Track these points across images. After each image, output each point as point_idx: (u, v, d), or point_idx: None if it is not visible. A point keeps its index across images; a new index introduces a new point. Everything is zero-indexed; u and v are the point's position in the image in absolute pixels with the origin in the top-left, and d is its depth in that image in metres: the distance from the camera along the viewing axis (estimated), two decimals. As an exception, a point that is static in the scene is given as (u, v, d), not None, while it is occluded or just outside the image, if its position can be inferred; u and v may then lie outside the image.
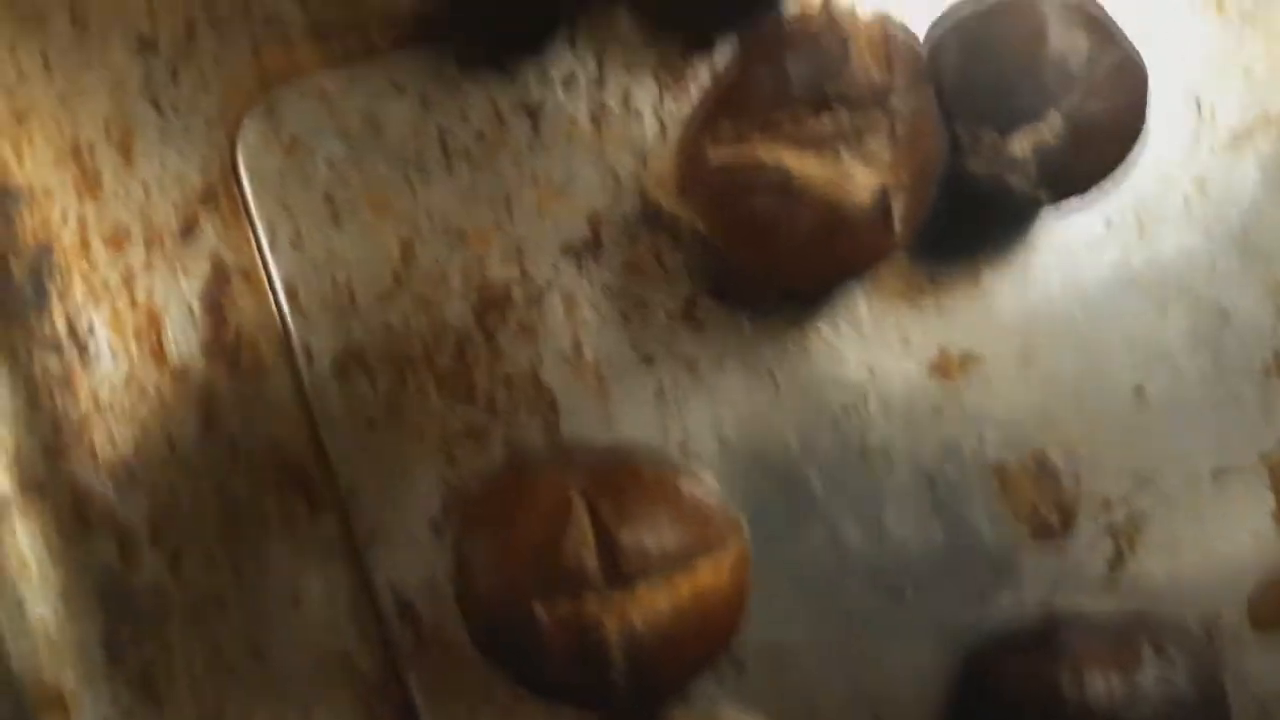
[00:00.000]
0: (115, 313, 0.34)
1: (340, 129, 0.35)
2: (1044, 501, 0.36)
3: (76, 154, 0.35)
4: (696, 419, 0.35)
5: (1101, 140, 0.32)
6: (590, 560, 0.28)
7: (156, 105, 0.35)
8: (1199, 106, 0.37)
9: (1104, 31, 0.32)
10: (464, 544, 0.30)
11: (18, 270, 0.34)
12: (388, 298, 0.35)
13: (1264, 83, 0.37)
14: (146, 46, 0.35)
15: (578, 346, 0.35)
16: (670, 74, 0.35)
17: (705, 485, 0.31)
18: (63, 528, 0.34)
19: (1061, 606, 0.36)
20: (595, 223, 0.35)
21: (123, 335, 0.34)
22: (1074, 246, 0.36)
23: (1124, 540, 0.36)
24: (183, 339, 0.34)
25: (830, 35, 0.31)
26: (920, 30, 0.34)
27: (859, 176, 0.30)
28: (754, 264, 0.33)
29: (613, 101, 0.35)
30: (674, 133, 0.35)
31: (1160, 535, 0.36)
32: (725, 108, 0.31)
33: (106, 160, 0.35)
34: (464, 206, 0.35)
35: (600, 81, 0.35)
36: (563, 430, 0.35)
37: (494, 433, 0.35)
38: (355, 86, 0.35)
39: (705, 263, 0.35)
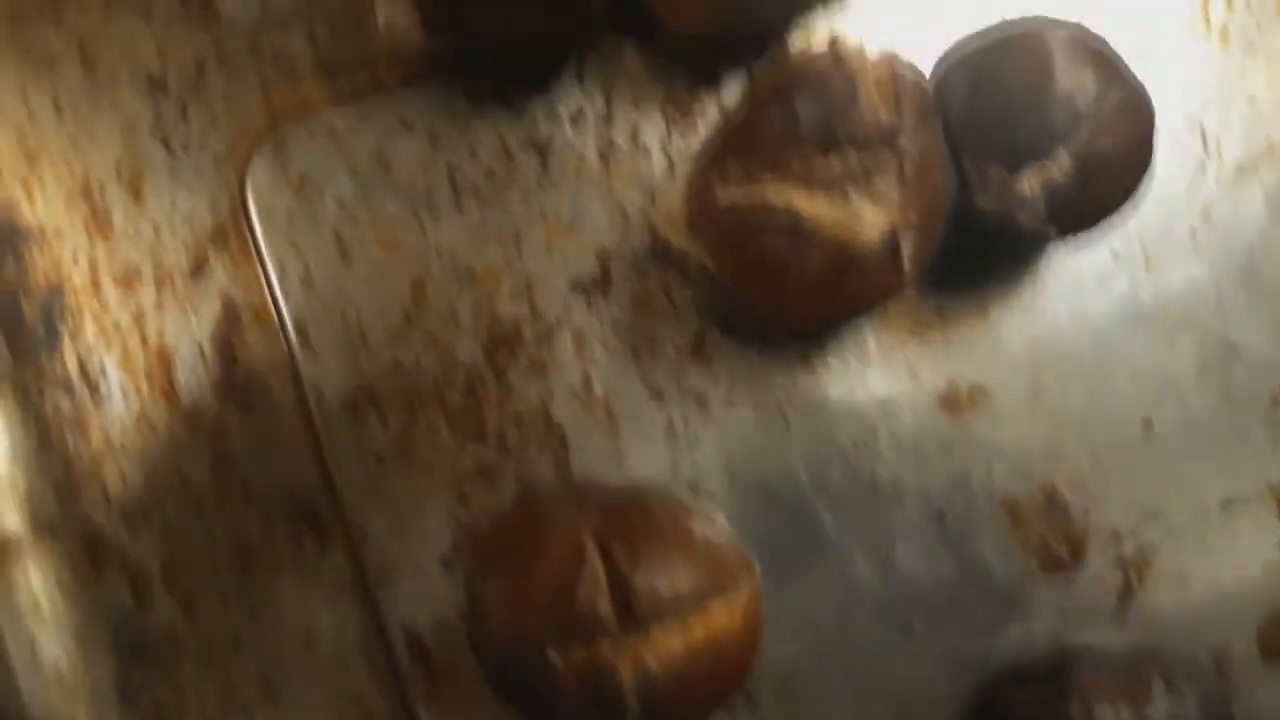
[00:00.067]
0: (126, 353, 0.34)
1: (350, 167, 0.35)
2: (1053, 534, 0.36)
3: (87, 194, 0.35)
4: (707, 454, 0.35)
5: (1109, 177, 0.32)
6: (604, 605, 0.28)
7: (166, 145, 0.35)
8: (1204, 138, 0.37)
9: (1110, 68, 0.32)
10: (477, 585, 0.30)
11: (29, 310, 0.34)
12: (398, 336, 0.35)
13: (1269, 113, 0.37)
14: (156, 86, 0.35)
15: (588, 383, 0.35)
16: (678, 110, 0.36)
17: (716, 525, 0.31)
18: (75, 568, 0.34)
19: (1071, 639, 0.36)
20: (604, 259, 0.35)
21: (134, 375, 0.34)
22: (1081, 279, 0.36)
23: (1133, 572, 0.36)
24: (193, 378, 0.34)
25: (838, 76, 0.31)
26: (926, 65, 0.34)
27: (868, 217, 0.31)
28: (763, 303, 0.33)
29: (621, 138, 0.35)
30: (682, 169, 0.35)
31: (1169, 567, 0.36)
32: (734, 147, 0.32)
33: (117, 200, 0.35)
34: (473, 244, 0.35)
35: (608, 118, 0.35)
36: (573, 467, 0.35)
37: (505, 470, 0.35)
38: (364, 124, 0.35)
39: (714, 297, 0.36)
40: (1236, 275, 0.37)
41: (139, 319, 0.34)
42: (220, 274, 0.35)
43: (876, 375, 0.36)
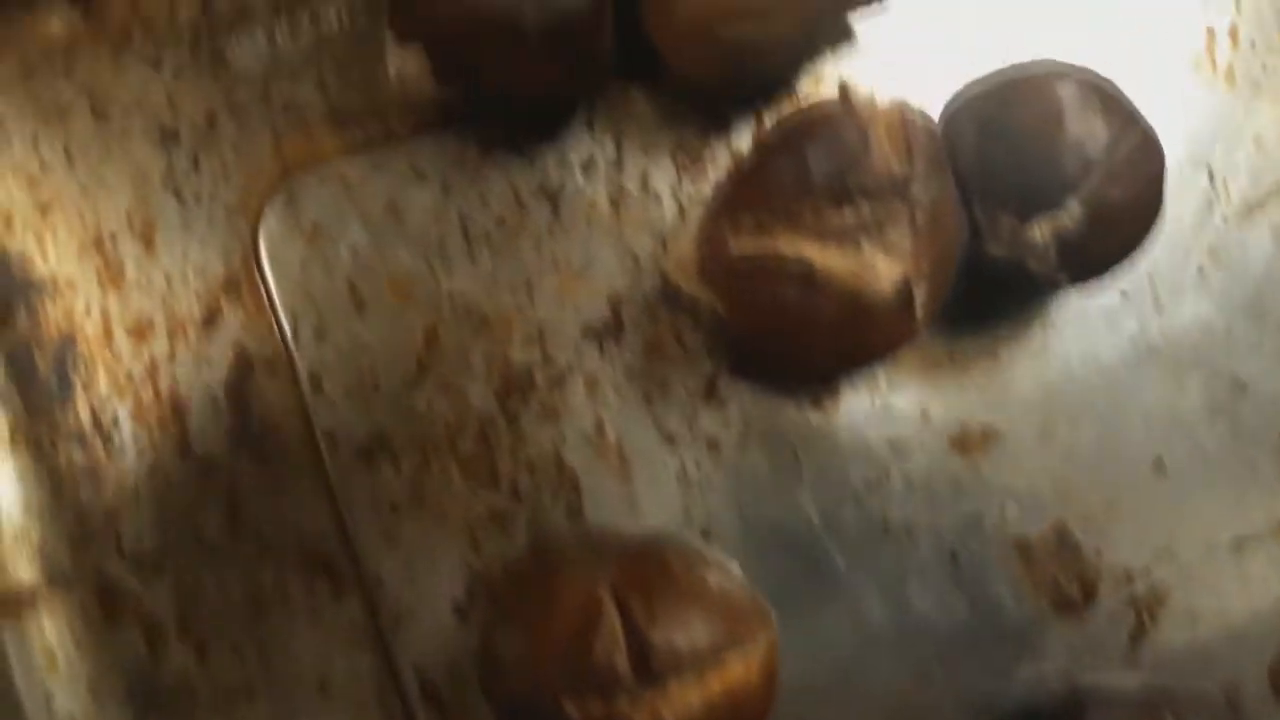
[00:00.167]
0: (139, 403, 0.34)
1: (362, 216, 0.35)
2: (1065, 574, 0.36)
3: (99, 245, 0.35)
4: (719, 498, 0.35)
5: (1121, 223, 0.32)
6: (621, 660, 0.28)
7: (178, 195, 0.35)
8: (1211, 177, 0.37)
9: (1121, 115, 0.32)
10: (492, 635, 0.30)
11: (42, 362, 0.34)
12: (411, 383, 0.35)
13: (1275, 152, 0.37)
14: (168, 136, 0.35)
15: (600, 428, 0.35)
16: (688, 156, 0.36)
17: (732, 575, 0.31)
18: (89, 620, 0.34)
19: (1083, 679, 0.36)
20: (616, 304, 0.35)
21: (147, 426, 0.34)
22: (1091, 319, 0.37)
23: (1145, 611, 0.36)
24: (207, 429, 0.34)
25: (850, 126, 0.31)
26: (934, 109, 0.34)
27: (881, 267, 0.31)
28: (775, 352, 0.33)
29: (631, 184, 0.36)
30: (693, 214, 0.36)
31: (1181, 605, 0.36)
32: (745, 197, 0.32)
33: (129, 251, 0.35)
34: (486, 291, 0.35)
35: (619, 164, 0.36)
36: (586, 512, 0.35)
37: (517, 516, 0.35)
38: (376, 173, 0.35)
39: (725, 340, 0.36)
40: (1245, 313, 0.37)
41: (152, 370, 0.34)
42: (233, 324, 0.35)
43: (888, 417, 0.36)
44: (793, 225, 0.31)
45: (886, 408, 0.36)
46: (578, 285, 0.35)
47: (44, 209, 0.35)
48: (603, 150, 0.36)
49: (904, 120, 0.32)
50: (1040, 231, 0.32)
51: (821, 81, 0.36)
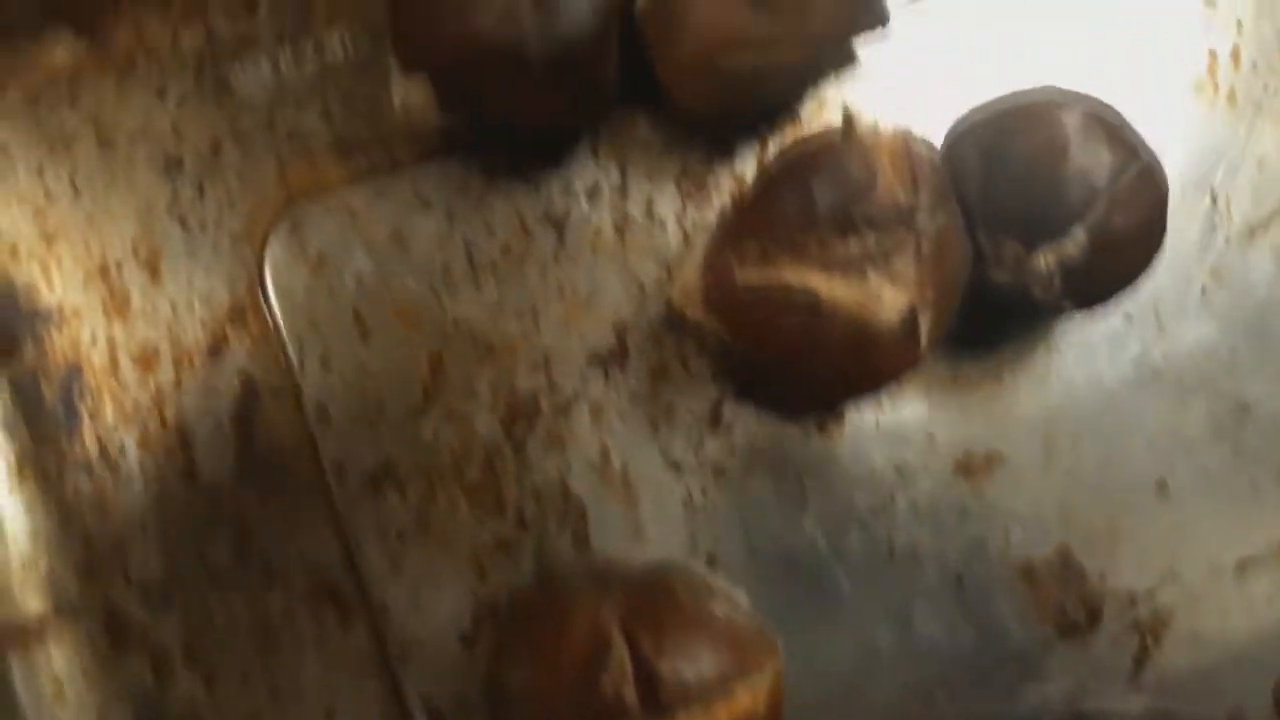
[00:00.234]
0: (146, 433, 0.34)
1: (367, 244, 0.35)
2: (1070, 598, 0.36)
3: (105, 274, 0.35)
4: (725, 525, 0.35)
5: (1125, 251, 0.32)
6: (629, 692, 0.28)
7: (183, 223, 0.35)
8: (1213, 199, 0.37)
9: (1124, 141, 0.32)
10: (499, 669, 0.30)
11: (48, 392, 0.34)
12: (417, 412, 0.35)
13: (1278, 172, 0.37)
14: (172, 165, 0.35)
15: (606, 455, 0.35)
16: (692, 182, 0.36)
17: (738, 605, 0.31)
18: (97, 650, 0.34)
19: (1087, 703, 0.36)
20: (621, 331, 0.35)
21: (154, 455, 0.34)
22: (1094, 343, 0.37)
23: (1149, 635, 0.36)
24: (213, 458, 0.34)
25: (855, 157, 0.31)
26: (937, 134, 0.34)
27: (887, 297, 0.31)
28: (781, 381, 0.33)
29: (636, 210, 0.36)
30: (697, 240, 0.36)
31: (1184, 629, 0.37)
32: (751, 228, 0.32)
33: (135, 279, 0.35)
34: (491, 319, 0.35)
35: (623, 190, 0.36)
36: (592, 540, 0.35)
37: (524, 544, 0.35)
38: (381, 201, 0.35)
39: (730, 366, 0.36)
40: (1248, 335, 0.37)
41: (158, 399, 0.34)
42: (238, 352, 0.35)
43: (893, 441, 0.36)
44: (798, 255, 0.31)
45: (891, 432, 0.36)
46: (583, 312, 0.35)
47: (49, 238, 0.35)
48: (607, 177, 0.36)
49: (909, 150, 0.32)
50: (1045, 260, 0.32)
51: (824, 106, 0.37)
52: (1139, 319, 0.37)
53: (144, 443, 0.34)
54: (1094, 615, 0.36)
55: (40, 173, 0.35)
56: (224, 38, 0.35)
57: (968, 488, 0.36)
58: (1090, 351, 0.37)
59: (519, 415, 0.35)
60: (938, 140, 0.34)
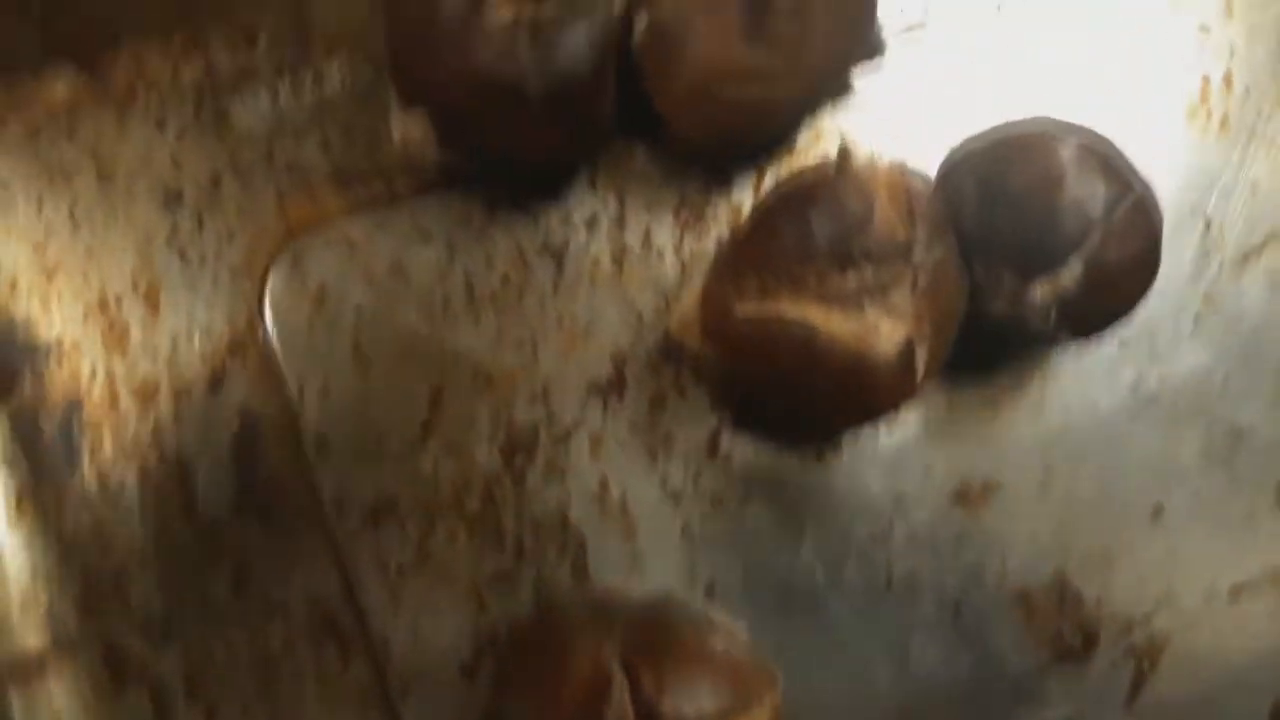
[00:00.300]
0: (145, 467, 0.34)
1: (367, 276, 0.35)
2: (1066, 625, 0.36)
3: (104, 307, 0.35)
4: (723, 555, 0.35)
5: (1120, 282, 0.33)
6: (631, 729, 0.28)
7: (183, 256, 0.35)
8: (1207, 225, 0.38)
9: (1120, 173, 0.33)
10: (500, 702, 0.31)
11: (48, 427, 0.34)
12: (417, 444, 0.35)
13: (1271, 198, 0.38)
14: (172, 198, 0.35)
15: (605, 485, 0.35)
16: (690, 212, 0.36)
17: (737, 639, 0.32)
18: (97, 685, 0.34)
19: (1085, 730, 0.37)
20: (619, 362, 0.36)
21: (154, 490, 0.34)
22: (1089, 370, 0.37)
23: (1145, 660, 0.37)
24: (213, 492, 0.34)
25: (853, 191, 0.31)
26: (932, 163, 0.34)
27: (884, 330, 0.31)
28: (778, 410, 0.33)
29: (634, 241, 0.36)
30: (695, 270, 0.36)
31: (1180, 654, 0.37)
32: (749, 260, 0.32)
33: (134, 313, 0.35)
34: (490, 350, 0.35)
35: (621, 221, 0.36)
36: (591, 570, 0.35)
37: (523, 576, 0.35)
38: (381, 233, 0.35)
39: (727, 394, 0.36)
40: (1241, 360, 0.37)
41: (158, 433, 0.34)
42: (238, 386, 0.35)
43: (890, 471, 0.36)
44: (796, 288, 0.31)
45: (889, 461, 0.36)
46: (581, 343, 0.36)
47: (49, 272, 0.35)
48: (605, 208, 0.36)
49: (906, 184, 0.32)
50: (1041, 291, 0.32)
51: (821, 136, 0.37)
52: (1134, 345, 0.37)
53: (144, 476, 0.34)
54: (1090, 641, 0.36)
55: (40, 206, 0.35)
56: (223, 70, 0.35)
57: (965, 516, 0.36)
58: (1085, 379, 0.37)
59: (518, 446, 0.35)
60: (933, 169, 0.34)
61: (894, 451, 0.36)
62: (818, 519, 0.36)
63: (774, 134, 0.36)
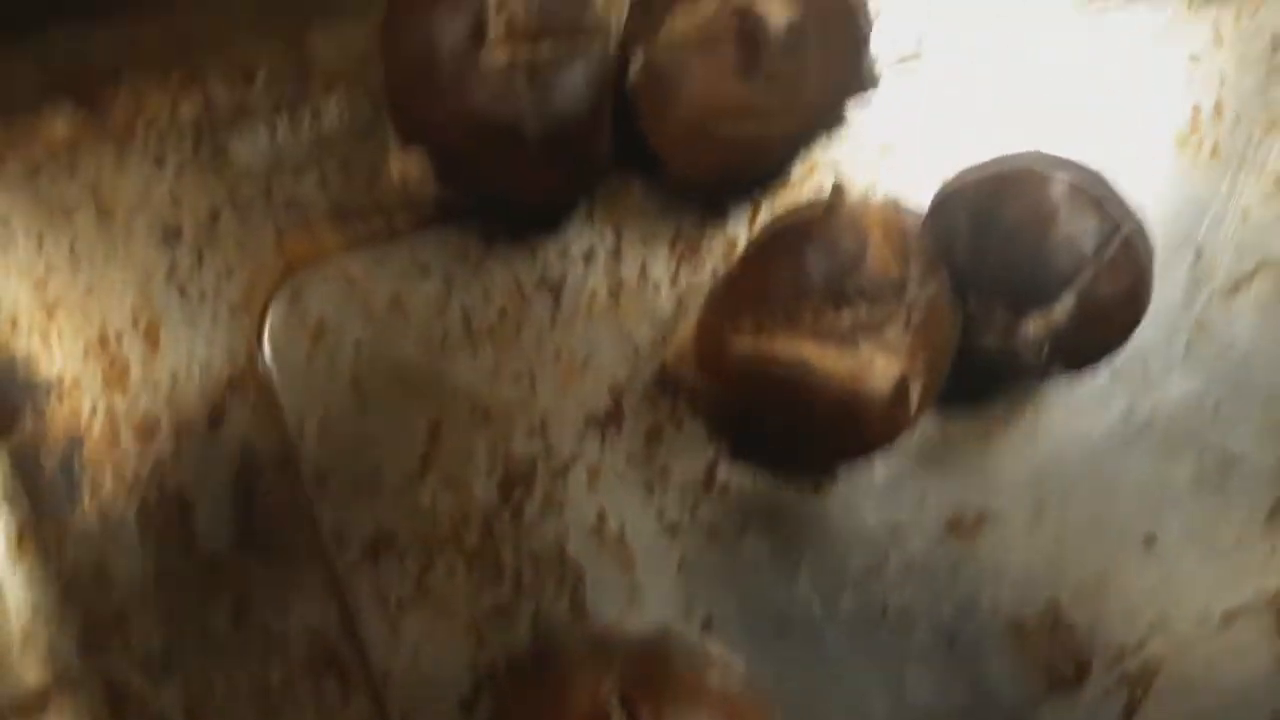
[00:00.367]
0: (146, 503, 0.35)
1: (365, 311, 0.35)
2: (1059, 653, 0.37)
3: (104, 344, 0.35)
4: (720, 588, 0.36)
5: (1111, 316, 0.33)
6: (629, 767, 0.28)
7: (182, 293, 0.35)
8: (1199, 253, 0.38)
9: (1111, 208, 0.33)
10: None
11: (48, 463, 0.35)
12: (416, 478, 0.35)
13: (1261, 227, 0.38)
14: (171, 234, 0.35)
15: (602, 518, 0.36)
16: (686, 245, 0.36)
17: (733, 674, 0.32)
18: (98, 721, 0.34)
19: (1079, 756, 0.37)
20: (616, 394, 0.36)
21: (154, 526, 0.35)
22: (1081, 399, 0.37)
23: (1138, 687, 0.37)
24: (213, 527, 0.35)
25: (847, 230, 0.31)
26: (924, 197, 0.35)
27: (879, 366, 0.31)
28: (774, 442, 0.33)
29: (630, 274, 0.36)
30: (691, 303, 0.36)
31: (1173, 680, 0.37)
32: (745, 296, 0.32)
33: (134, 349, 0.35)
34: (488, 384, 0.36)
35: (618, 254, 0.36)
36: (589, 605, 0.35)
37: (521, 610, 0.35)
38: (379, 269, 0.35)
39: (724, 426, 0.36)
40: (1232, 387, 0.38)
41: (158, 469, 0.35)
42: (238, 421, 0.35)
43: (885, 503, 0.36)
44: (791, 325, 0.31)
45: (883, 492, 0.36)
46: (579, 376, 0.36)
47: (49, 309, 0.35)
48: (602, 241, 0.36)
49: (899, 221, 0.32)
50: (1034, 326, 0.32)
51: (815, 168, 0.37)
52: (1125, 374, 0.37)
53: (144, 512, 0.35)
54: (1083, 669, 0.37)
55: (40, 243, 0.35)
56: (222, 106, 0.36)
57: (959, 546, 0.37)
58: (1077, 408, 0.37)
59: (516, 480, 0.35)
60: (926, 200, 0.34)
61: (888, 482, 0.36)
62: (814, 550, 0.36)
63: (769, 168, 0.36)
